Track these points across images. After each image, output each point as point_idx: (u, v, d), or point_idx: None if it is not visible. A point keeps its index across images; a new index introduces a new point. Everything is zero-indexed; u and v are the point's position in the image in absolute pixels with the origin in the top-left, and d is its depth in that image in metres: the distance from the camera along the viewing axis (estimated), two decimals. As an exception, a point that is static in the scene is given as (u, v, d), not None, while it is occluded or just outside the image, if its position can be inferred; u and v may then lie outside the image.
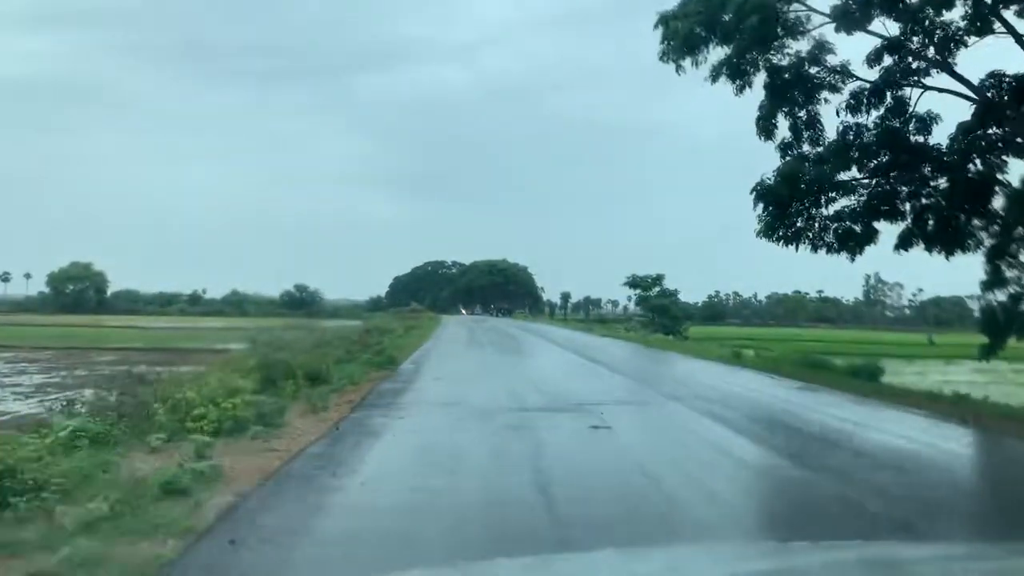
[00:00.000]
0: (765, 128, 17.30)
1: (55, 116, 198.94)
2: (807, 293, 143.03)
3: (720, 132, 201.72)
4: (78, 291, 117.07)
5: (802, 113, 17.22)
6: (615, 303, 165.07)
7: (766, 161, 17.32)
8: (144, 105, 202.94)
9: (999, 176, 16.04)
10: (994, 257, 16.02)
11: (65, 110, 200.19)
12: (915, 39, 16.16)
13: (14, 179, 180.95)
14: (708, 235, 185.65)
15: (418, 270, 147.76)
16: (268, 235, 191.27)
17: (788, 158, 17.23)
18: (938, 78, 16.35)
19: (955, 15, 15.61)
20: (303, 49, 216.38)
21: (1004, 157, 16.09)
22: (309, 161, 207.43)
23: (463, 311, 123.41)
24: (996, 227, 16.09)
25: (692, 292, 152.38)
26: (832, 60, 16.78)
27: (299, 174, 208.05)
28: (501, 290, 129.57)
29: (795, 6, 16.27)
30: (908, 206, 16.83)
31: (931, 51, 16.06)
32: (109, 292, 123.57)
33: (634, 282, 62.98)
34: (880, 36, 16.18)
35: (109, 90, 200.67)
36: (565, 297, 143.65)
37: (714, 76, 16.68)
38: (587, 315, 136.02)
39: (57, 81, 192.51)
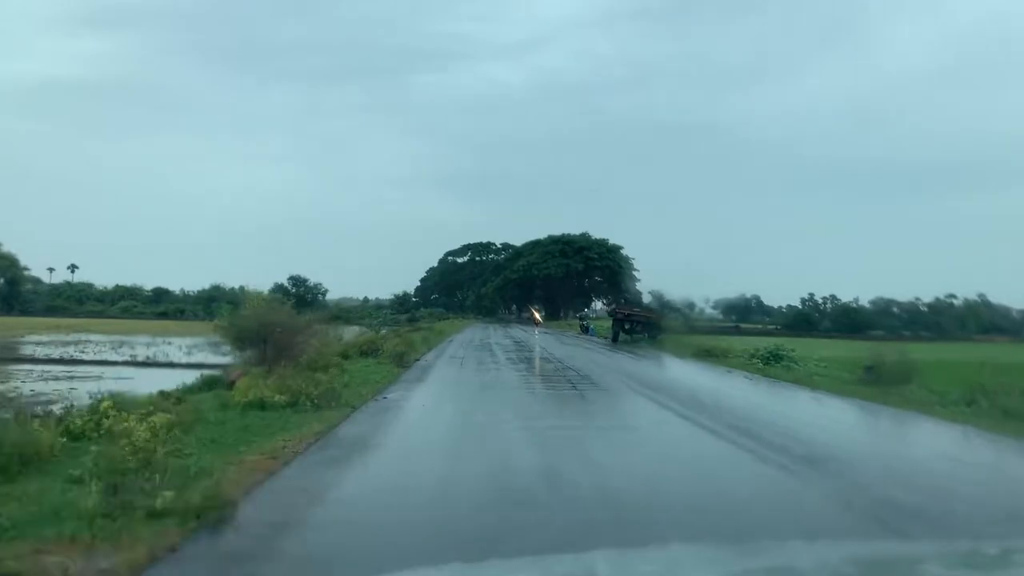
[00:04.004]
0: None
1: (104, 116, 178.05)
2: (951, 297, 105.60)
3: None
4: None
5: None
6: (692, 306, 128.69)
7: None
8: (188, 104, 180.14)
9: None
10: None
11: (111, 111, 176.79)
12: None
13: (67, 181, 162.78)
14: (782, 234, 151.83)
15: (455, 255, 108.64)
16: (315, 235, 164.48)
17: None
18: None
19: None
20: (353, 47, 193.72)
21: None
22: (359, 160, 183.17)
23: (535, 315, 76.80)
24: None
25: (774, 296, 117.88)
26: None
27: (348, 173, 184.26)
28: (576, 282, 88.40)
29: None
30: None
31: None
32: (48, 283, 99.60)
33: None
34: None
35: (157, 91, 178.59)
36: (657, 297, 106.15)
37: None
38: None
39: (106, 82, 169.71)
